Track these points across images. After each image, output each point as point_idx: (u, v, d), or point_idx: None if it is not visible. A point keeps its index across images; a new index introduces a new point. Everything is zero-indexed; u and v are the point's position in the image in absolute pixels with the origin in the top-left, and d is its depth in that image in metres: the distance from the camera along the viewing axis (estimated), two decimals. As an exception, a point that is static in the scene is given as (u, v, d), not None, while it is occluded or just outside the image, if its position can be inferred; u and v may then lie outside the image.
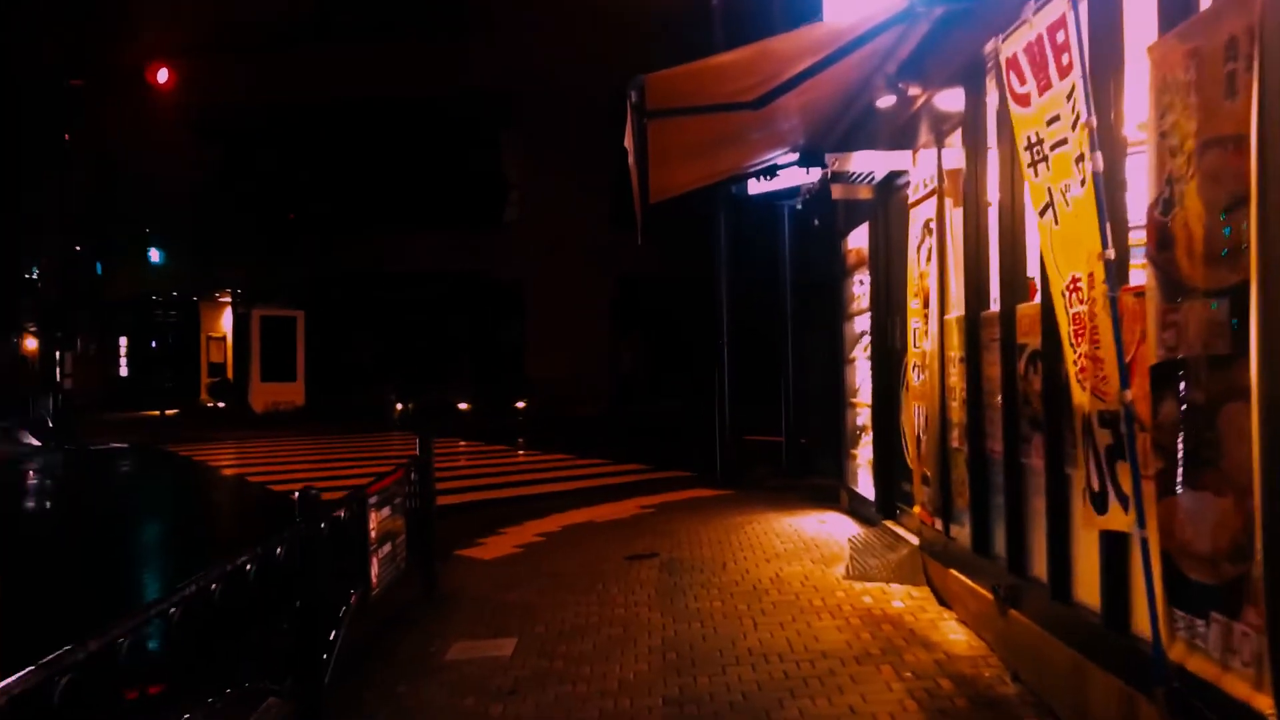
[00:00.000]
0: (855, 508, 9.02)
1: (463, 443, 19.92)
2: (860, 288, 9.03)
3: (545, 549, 8.71)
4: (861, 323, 9.13)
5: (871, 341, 8.15)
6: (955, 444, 6.05)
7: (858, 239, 8.71)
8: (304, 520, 4.84)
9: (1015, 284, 5.08)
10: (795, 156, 9.45)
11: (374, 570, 5.99)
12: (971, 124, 5.63)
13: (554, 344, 28.66)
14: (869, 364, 8.54)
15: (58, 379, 23.62)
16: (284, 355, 24.88)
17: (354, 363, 29.00)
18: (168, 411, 28.60)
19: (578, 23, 28.17)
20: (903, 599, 6.34)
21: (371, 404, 25.04)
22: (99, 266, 29.33)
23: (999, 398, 5.26)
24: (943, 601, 6.23)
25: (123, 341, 35.18)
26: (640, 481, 13.30)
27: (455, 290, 27.97)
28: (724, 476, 12.71)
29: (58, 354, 24.37)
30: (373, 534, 6.00)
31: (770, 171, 9.90)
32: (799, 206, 12.75)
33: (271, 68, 28.76)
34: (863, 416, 9.16)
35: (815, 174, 10.39)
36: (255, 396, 24.64)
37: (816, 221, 10.92)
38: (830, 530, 8.52)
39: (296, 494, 4.80)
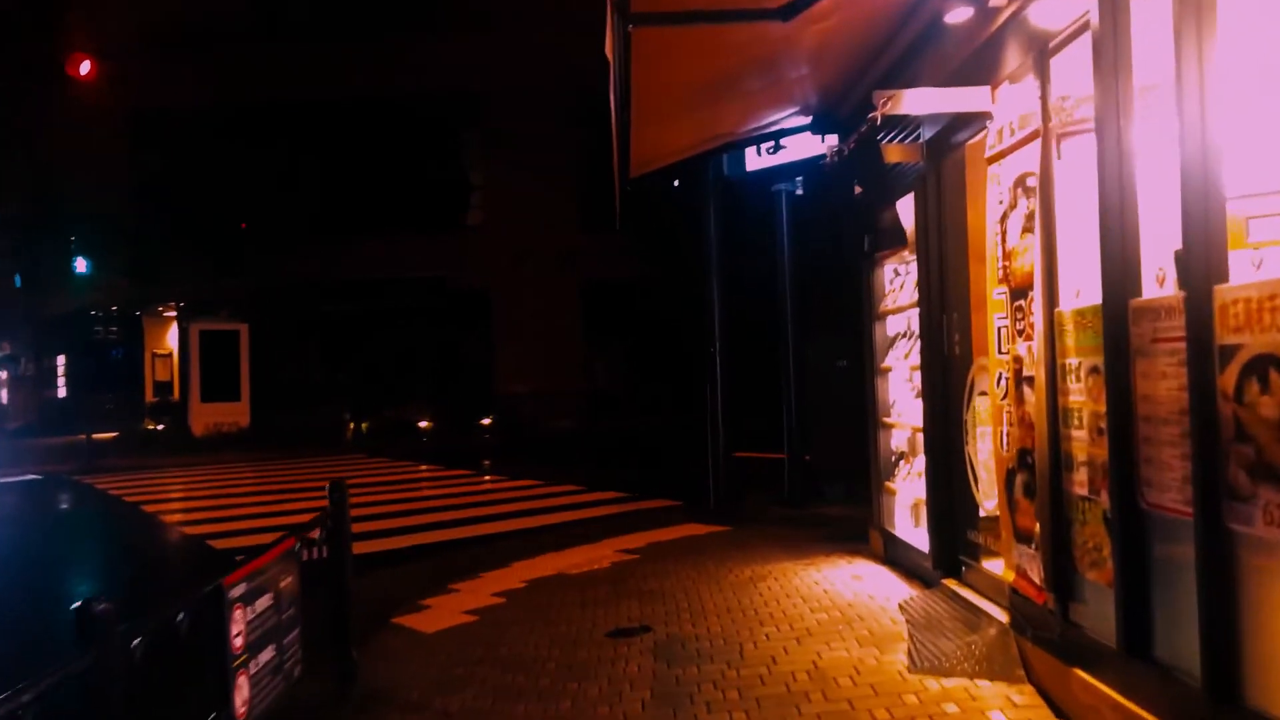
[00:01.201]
0: (895, 556, 7.18)
1: (424, 466, 17.98)
2: (897, 279, 7.22)
3: (505, 618, 6.81)
4: (896, 323, 7.32)
5: (922, 346, 6.32)
6: (1079, 490, 4.23)
7: (893, 217, 6.88)
8: (94, 649, 2.96)
9: (1207, 254, 3.26)
10: (806, 120, 7.64)
11: (241, 693, 4.09)
12: (1110, 19, 3.81)
13: (522, 356, 26.76)
14: (914, 373, 6.74)
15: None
16: (226, 373, 22.80)
17: (303, 379, 26.93)
18: (101, 435, 26.44)
19: (542, 17, 26.40)
20: (1002, 708, 4.50)
21: (323, 424, 23.04)
22: (18, 279, 27.13)
23: (1177, 427, 3.45)
24: (1060, 713, 4.40)
25: (60, 360, 32.93)
26: (621, 515, 11.43)
27: (414, 299, 25.97)
28: (719, 507, 10.87)
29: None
30: (238, 640, 4.10)
31: (776, 137, 8.05)
32: (799, 192, 11.02)
33: (215, 67, 26.71)
34: (899, 438, 7.35)
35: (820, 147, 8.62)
36: (195, 418, 22.57)
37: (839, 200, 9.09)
38: (870, 589, 6.67)
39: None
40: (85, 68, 19.52)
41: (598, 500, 12.61)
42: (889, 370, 7.32)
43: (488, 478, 15.99)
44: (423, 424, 24.28)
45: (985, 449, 5.64)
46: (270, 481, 16.13)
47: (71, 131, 24.90)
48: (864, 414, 10.14)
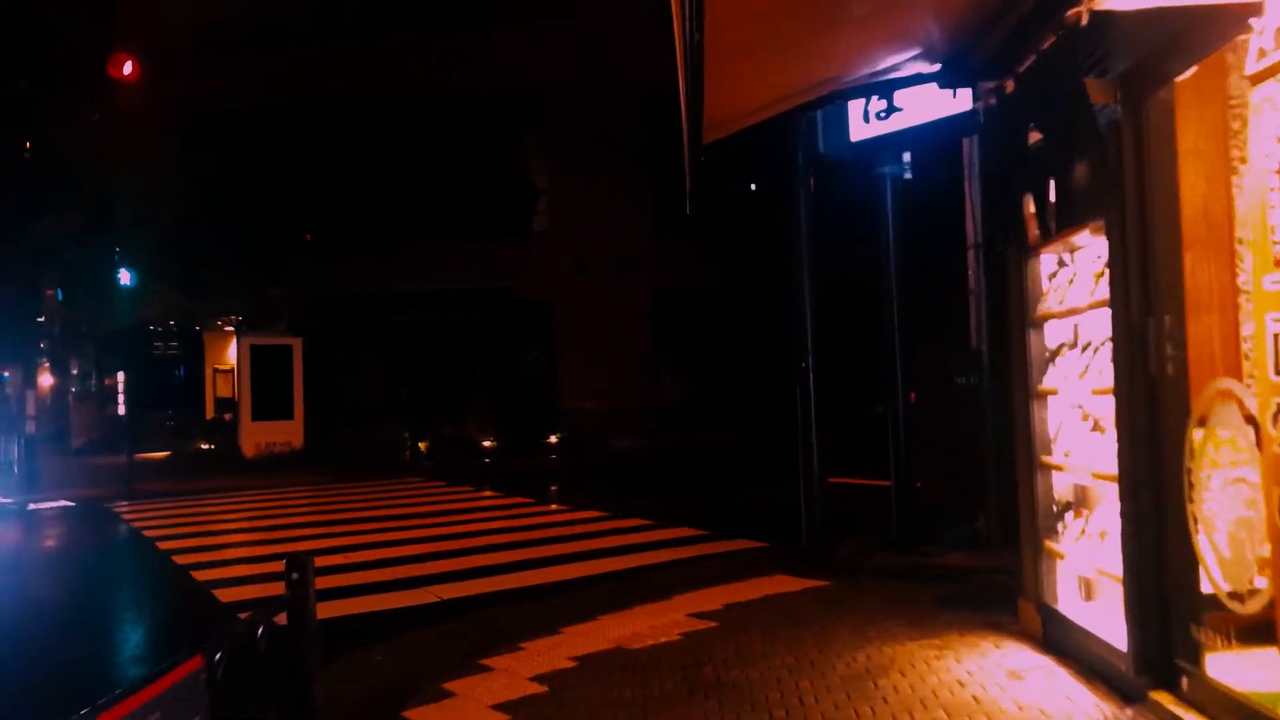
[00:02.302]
0: (1062, 642, 5.38)
1: (484, 492, 16.48)
2: (1062, 272, 5.43)
3: (543, 724, 5.18)
4: (1059, 330, 5.54)
5: (1115, 362, 4.54)
6: None
7: (1075, 181, 5.09)
8: None
9: None
10: (930, 68, 5.88)
11: None
12: None
13: (587, 369, 25.20)
14: (1094, 398, 4.96)
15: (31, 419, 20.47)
16: (278, 390, 21.57)
17: (360, 396, 25.67)
18: (154, 455, 25.50)
19: (608, 9, 24.93)
20: None
21: (381, 443, 21.72)
22: (60, 293, 26.27)
23: None
24: None
25: (120, 377, 32.19)
26: (695, 560, 9.75)
27: (475, 310, 24.55)
28: (813, 551, 9.11)
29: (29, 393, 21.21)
30: None
31: (888, 90, 6.30)
32: (907, 175, 9.26)
33: (267, 68, 25.74)
34: (1064, 484, 5.55)
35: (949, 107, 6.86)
36: (246, 438, 21.38)
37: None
38: (1040, 698, 4.87)
39: None
40: (128, 68, 18.47)
41: (668, 540, 10.93)
42: (1050, 394, 5.53)
43: (549, 507, 14.39)
44: (485, 442, 22.85)
45: (1231, 510, 3.84)
46: (316, 510, 14.75)
47: (118, 138, 24.09)
48: (987, 442, 8.37)
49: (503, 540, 11.23)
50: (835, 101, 6.49)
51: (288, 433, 21.62)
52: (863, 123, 7.64)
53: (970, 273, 9.56)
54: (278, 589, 8.86)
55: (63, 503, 16.63)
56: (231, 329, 27.85)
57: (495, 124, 26.40)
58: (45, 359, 42.31)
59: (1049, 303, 5.50)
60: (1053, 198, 5.01)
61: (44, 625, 8.52)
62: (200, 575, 9.67)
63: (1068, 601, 5.42)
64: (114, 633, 8.47)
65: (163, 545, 11.48)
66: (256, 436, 21.39)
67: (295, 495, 16.67)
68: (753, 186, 28.65)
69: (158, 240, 24.90)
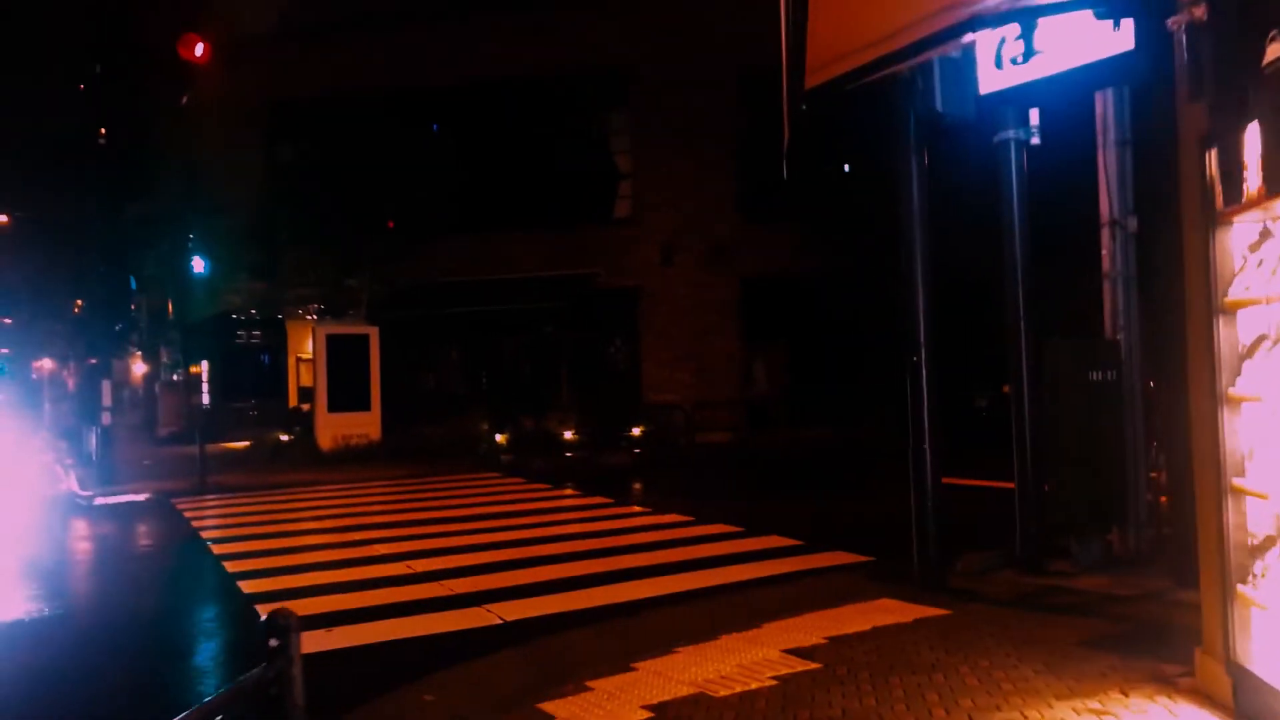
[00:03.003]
0: (1264, 715, 4.23)
1: (564, 491, 15.62)
2: (1265, 245, 4.27)
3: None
4: (1253, 321, 4.38)
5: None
6: None
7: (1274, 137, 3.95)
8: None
9: None
10: None
11: None
12: None
13: (674, 360, 24.22)
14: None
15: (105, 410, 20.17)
16: (355, 381, 20.99)
17: (439, 388, 25.08)
18: (235, 445, 25.26)
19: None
20: None
21: (459, 437, 21.01)
22: (132, 281, 26.09)
23: None
24: None
25: (204, 367, 32.17)
26: (788, 577, 8.71)
27: (558, 299, 23.70)
28: (924, 571, 7.98)
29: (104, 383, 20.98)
30: None
31: (1028, 18, 5.15)
32: (1034, 141, 8.09)
33: (349, 54, 25.24)
34: (1264, 516, 4.39)
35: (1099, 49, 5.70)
36: (322, 430, 20.84)
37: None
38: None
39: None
40: (199, 49, 17.96)
41: (758, 551, 9.90)
42: (1247, 401, 4.37)
43: (630, 509, 13.44)
44: (566, 435, 22.02)
45: None
46: (383, 510, 14.05)
47: (200, 126, 23.85)
48: (1125, 446, 7.22)
49: (577, 548, 10.31)
50: (962, 34, 5.32)
51: (364, 425, 21.05)
52: (994, 69, 6.45)
53: (1105, 253, 8.33)
54: (329, 604, 8.09)
55: (131, 497, 16.22)
56: (314, 317, 27.51)
57: (579, 106, 25.54)
58: (135, 348, 42.87)
59: (1244, 287, 4.34)
60: (1258, 150, 3.86)
61: (30, 647, 7.82)
62: (247, 586, 8.93)
63: (1270, 664, 4.27)
64: (104, 672, 7.73)
65: (216, 549, 10.81)
66: (333, 429, 20.85)
67: (365, 492, 16.02)
68: (846, 168, 27.39)
69: (239, 228, 24.59)
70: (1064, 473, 8.23)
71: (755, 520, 11.74)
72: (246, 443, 24.92)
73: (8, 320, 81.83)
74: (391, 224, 24.73)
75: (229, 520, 13.12)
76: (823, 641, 6.46)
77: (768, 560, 9.43)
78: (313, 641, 7.21)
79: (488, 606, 7.95)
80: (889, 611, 7.23)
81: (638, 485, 17.07)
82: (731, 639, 6.65)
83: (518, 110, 25.28)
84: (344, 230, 22.76)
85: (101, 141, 19.28)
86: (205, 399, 32.51)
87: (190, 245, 19.10)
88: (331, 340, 21.24)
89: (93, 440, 20.48)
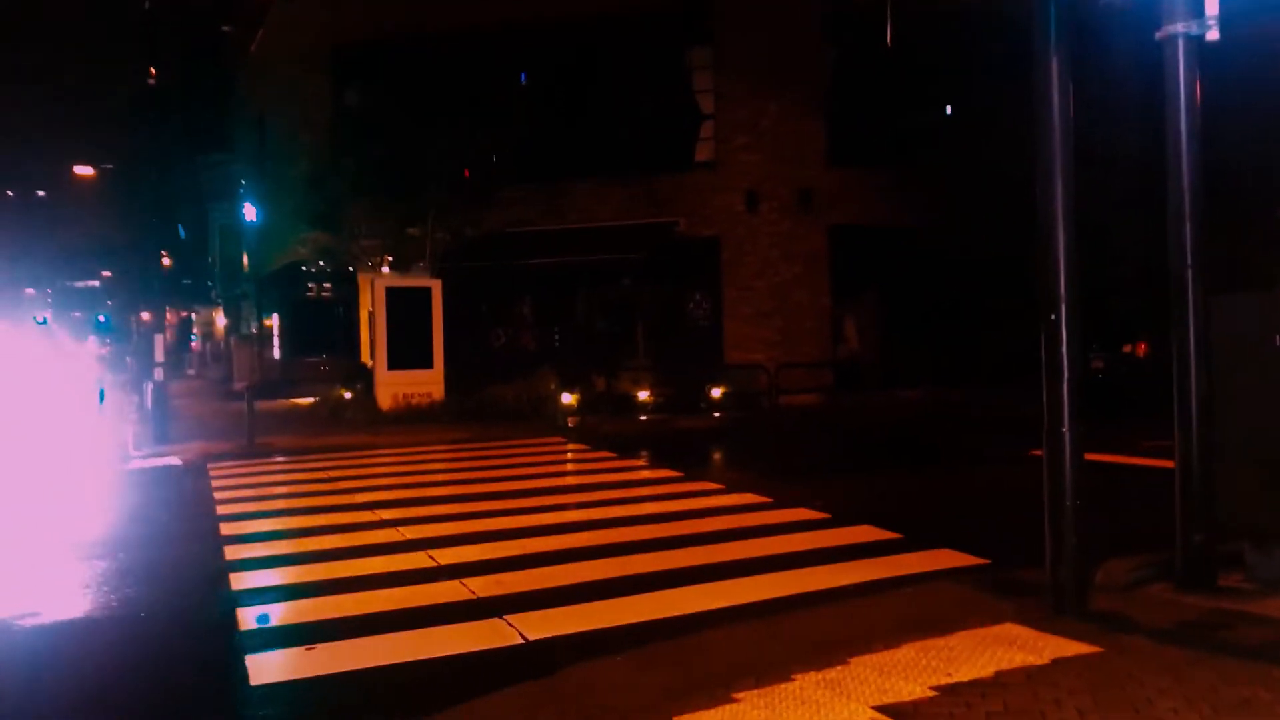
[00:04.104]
0: None
1: (637, 460, 14.13)
2: None
3: None
4: None
5: None
6: None
7: None
8: None
9: None
10: None
11: None
12: None
13: (757, 315, 22.47)
14: None
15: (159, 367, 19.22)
16: (417, 336, 19.69)
17: (510, 345, 23.70)
18: (301, 401, 24.37)
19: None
20: None
21: (528, 398, 19.60)
22: (180, 230, 25.17)
23: None
24: None
25: (275, 320, 31.37)
26: (882, 584, 7.08)
27: (635, 250, 22.02)
28: (1060, 588, 6.25)
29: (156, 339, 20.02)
30: None
31: None
32: (1210, 35, 6.24)
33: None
34: None
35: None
36: (381, 388, 19.63)
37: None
38: None
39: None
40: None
41: (846, 548, 8.24)
42: None
43: (700, 486, 11.83)
44: (641, 395, 20.49)
45: None
46: (426, 483, 12.73)
47: (265, 71, 22.89)
48: None
49: (632, 537, 8.77)
50: None
51: (426, 383, 19.78)
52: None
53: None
54: (322, 609, 6.69)
55: (168, 460, 15.17)
56: (387, 270, 26.37)
57: (657, 43, 23.69)
58: (218, 300, 42.50)
59: None
60: None
61: None
62: (238, 580, 7.59)
63: None
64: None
65: (225, 528, 9.54)
66: (393, 387, 19.63)
67: (413, 458, 14.73)
68: (948, 109, 25.23)
69: (307, 178, 23.48)
70: (1239, 462, 6.43)
71: (844, 504, 10.10)
72: (312, 399, 24.00)
73: (107, 274, 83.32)
74: (468, 173, 23.35)
75: (256, 491, 11.89)
76: (930, 694, 4.84)
77: (858, 560, 7.78)
78: (283, 666, 5.82)
79: (510, 618, 6.48)
80: (1016, 644, 5.57)
81: (713, 455, 15.50)
82: (808, 680, 5.08)
83: (593, 49, 23.58)
84: (409, 178, 21.42)
85: (151, 82, 18.16)
86: (276, 353, 31.81)
87: (242, 193, 17.94)
88: (392, 294, 19.97)
89: (148, 396, 19.61)
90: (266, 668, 5.74)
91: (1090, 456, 10.55)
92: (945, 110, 25.28)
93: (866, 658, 5.46)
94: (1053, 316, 6.28)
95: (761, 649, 5.78)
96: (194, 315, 51.88)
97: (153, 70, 17.62)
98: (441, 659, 5.85)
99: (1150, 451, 12.91)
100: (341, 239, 24.82)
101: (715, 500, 10.59)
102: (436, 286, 20.22)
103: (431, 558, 8.18)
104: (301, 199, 23.45)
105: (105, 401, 24.82)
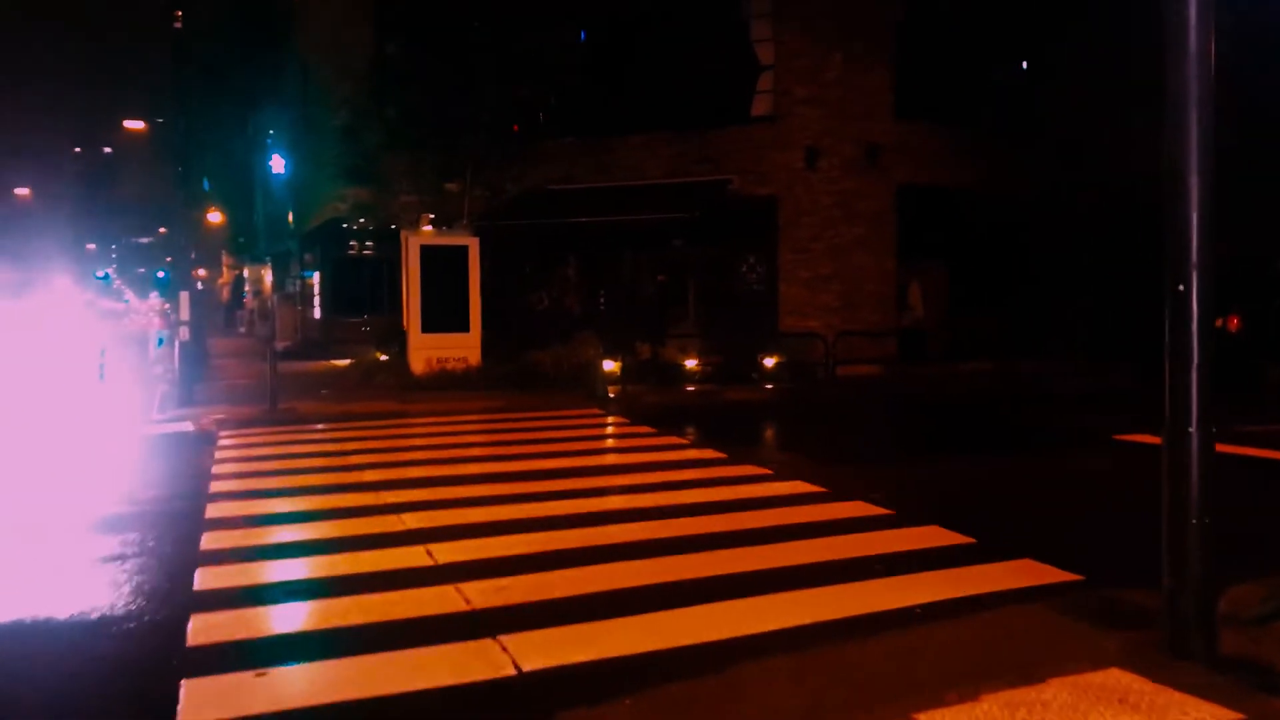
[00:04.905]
0: None
1: (679, 437, 12.97)
2: None
3: None
4: None
5: None
6: None
7: None
8: None
9: None
10: None
11: None
12: None
13: (816, 279, 21.11)
14: None
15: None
16: (452, 297, 18.64)
17: (552, 308, 22.58)
18: (337, 363, 23.52)
19: None
20: None
21: (569, 364, 18.49)
22: (205, 183, 24.22)
23: None
24: None
25: (315, 278, 30.60)
26: (956, 604, 5.87)
27: (684, 209, 20.74)
28: (1180, 628, 5.00)
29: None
30: None
31: None
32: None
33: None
34: None
35: None
36: (415, 352, 18.64)
37: None
38: None
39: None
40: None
41: (909, 555, 7.00)
42: None
43: (745, 470, 10.64)
44: (689, 364, 19.32)
45: None
46: (445, 459, 11.70)
47: (303, 20, 21.98)
48: None
49: (659, 535, 7.61)
50: None
51: (462, 347, 18.74)
52: None
53: None
54: (290, 618, 5.65)
55: (183, 426, 14.32)
56: (430, 228, 25.38)
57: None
58: (266, 257, 41.82)
59: None
60: None
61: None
62: (204, 579, 6.57)
63: None
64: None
65: (210, 510, 8.52)
66: (427, 350, 18.63)
67: (438, 429, 13.71)
68: (1024, 65, 23.56)
69: (349, 131, 22.48)
70: None
71: (907, 496, 8.89)
72: (348, 361, 23.15)
73: (163, 230, 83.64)
74: (517, 127, 22.21)
75: (258, 465, 10.91)
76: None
77: (925, 571, 6.56)
78: (221, 698, 4.77)
79: (505, 639, 5.37)
80: (1127, 702, 4.39)
81: (763, 432, 14.31)
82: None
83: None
84: (448, 131, 20.32)
85: (177, 25, 17.21)
86: (317, 312, 31.06)
87: (270, 143, 16.98)
88: (426, 252, 18.92)
89: (174, 362, 18.85)
90: (203, 701, 4.70)
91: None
92: (1023, 63, 23.64)
93: (932, 714, 4.31)
94: (1180, 288, 4.98)
95: (797, 686, 4.69)
96: (245, 272, 51.51)
97: (178, 13, 16.69)
98: (412, 694, 4.78)
99: (1253, 439, 11.52)
100: (381, 195, 23.87)
101: (762, 489, 9.39)
102: (473, 245, 19.14)
103: (429, 554, 7.11)
104: (338, 152, 22.49)
105: (154, 357, 24.13)
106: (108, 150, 69.42)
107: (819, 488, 9.27)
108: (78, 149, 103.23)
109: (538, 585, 6.36)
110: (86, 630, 5.73)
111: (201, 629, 5.63)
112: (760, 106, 21.69)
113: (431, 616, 5.84)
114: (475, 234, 19.57)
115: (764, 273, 21.68)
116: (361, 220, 25.73)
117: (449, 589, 6.29)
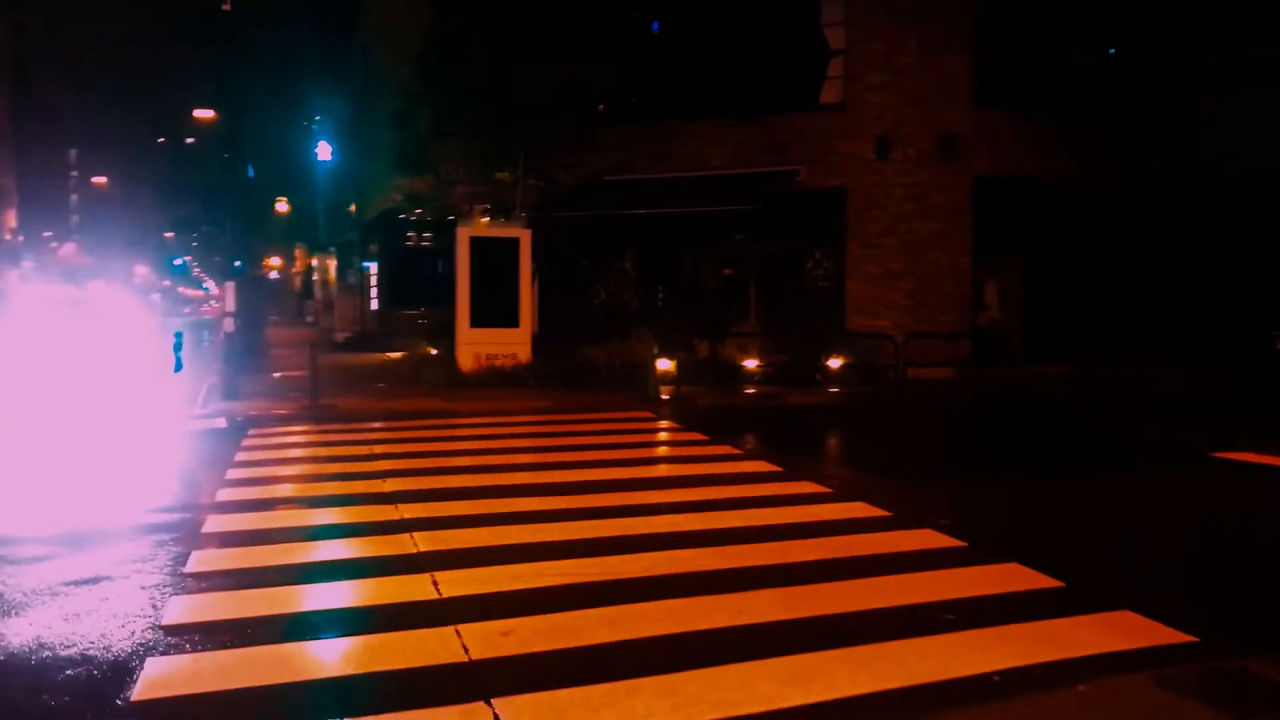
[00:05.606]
0: None
1: (732, 447, 12.03)
2: None
3: None
4: None
5: None
6: None
7: None
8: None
9: None
10: None
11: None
12: None
13: (885, 276, 20.01)
14: None
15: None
16: (502, 291, 17.88)
17: (606, 304, 21.73)
18: (389, 356, 23.02)
19: None
20: None
21: (624, 363, 17.61)
22: (250, 170, 23.70)
23: None
24: None
25: (372, 269, 30.15)
26: (1042, 672, 4.85)
27: (747, 201, 19.69)
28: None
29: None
30: None
31: None
32: None
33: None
34: None
35: None
36: (463, 347, 17.91)
37: None
38: None
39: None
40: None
41: (987, 600, 6.00)
42: None
43: (799, 488, 9.68)
44: (749, 364, 18.35)
45: None
46: (475, 467, 10.90)
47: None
48: None
49: (699, 567, 6.69)
50: None
51: (511, 343, 17.99)
52: None
53: None
54: (264, 667, 4.85)
55: (216, 422, 13.75)
56: (485, 219, 24.69)
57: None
58: (332, 249, 41.61)
59: None
60: None
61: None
62: (177, 611, 5.81)
63: None
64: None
65: (209, 523, 7.80)
66: (475, 346, 17.89)
67: (473, 432, 12.95)
68: (1111, 50, 22.12)
69: (394, 114, 21.85)
70: None
71: (981, 524, 7.89)
72: (401, 354, 22.61)
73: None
74: (566, 110, 21.40)
75: (275, 470, 10.21)
76: None
77: (1005, 625, 5.56)
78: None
79: (500, 704, 4.51)
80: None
81: (824, 442, 13.30)
82: None
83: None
84: (502, 117, 19.57)
85: (226, 7, 16.65)
86: (374, 304, 30.62)
87: (317, 130, 16.36)
88: (476, 244, 18.19)
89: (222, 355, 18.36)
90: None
91: (1266, 459, 8.18)
92: (1110, 48, 22.22)
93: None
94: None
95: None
96: (314, 263, 51.55)
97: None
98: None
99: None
100: (439, 185, 23.21)
101: (817, 511, 8.42)
102: (525, 237, 18.36)
103: (435, 584, 6.29)
104: (391, 139, 21.88)
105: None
106: (190, 140, 70.14)
107: (882, 511, 8.28)
108: (160, 139, 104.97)
109: (549, 630, 5.49)
110: (20, 670, 4.99)
111: (158, 678, 4.85)
112: (830, 94, 20.60)
113: (421, 669, 5.01)
114: (528, 225, 18.82)
115: (830, 269, 20.60)
116: (418, 211, 25.11)
117: (448, 632, 5.45)
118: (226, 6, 16.69)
